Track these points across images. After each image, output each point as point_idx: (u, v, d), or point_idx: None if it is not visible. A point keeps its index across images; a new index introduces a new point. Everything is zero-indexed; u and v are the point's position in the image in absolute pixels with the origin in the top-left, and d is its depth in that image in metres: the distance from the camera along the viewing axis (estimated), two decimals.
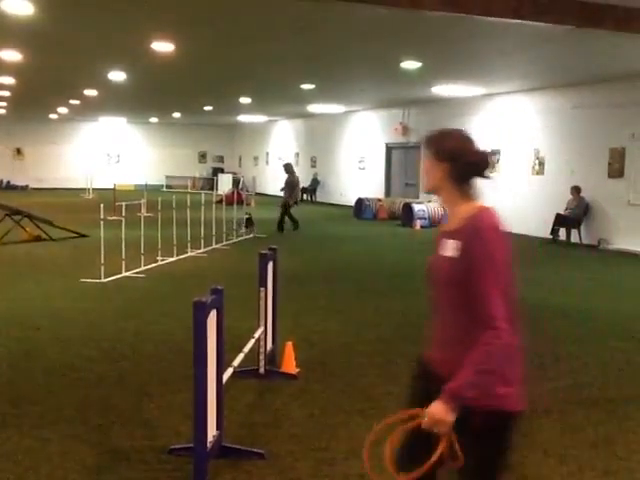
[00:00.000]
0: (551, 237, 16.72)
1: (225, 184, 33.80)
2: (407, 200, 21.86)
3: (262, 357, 5.96)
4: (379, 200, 23.63)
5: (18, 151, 38.10)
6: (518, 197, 18.81)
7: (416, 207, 20.40)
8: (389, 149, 25.85)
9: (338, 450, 4.57)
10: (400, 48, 12.69)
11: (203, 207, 14.87)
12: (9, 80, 18.56)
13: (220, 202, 22.71)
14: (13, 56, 14.06)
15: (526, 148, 18.64)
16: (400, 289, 10.59)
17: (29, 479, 4.15)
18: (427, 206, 20.57)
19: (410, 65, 14.37)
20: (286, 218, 18.27)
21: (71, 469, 4.26)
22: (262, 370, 5.97)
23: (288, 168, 18.89)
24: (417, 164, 23.77)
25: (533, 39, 11.19)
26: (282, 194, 18.86)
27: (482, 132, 20.30)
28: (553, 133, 17.81)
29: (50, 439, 4.70)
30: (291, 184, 18.54)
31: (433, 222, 20.25)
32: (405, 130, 24.18)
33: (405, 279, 11.49)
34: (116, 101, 25.25)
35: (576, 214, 16.43)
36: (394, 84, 18.22)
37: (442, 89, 18.55)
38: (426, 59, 13.78)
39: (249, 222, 17.14)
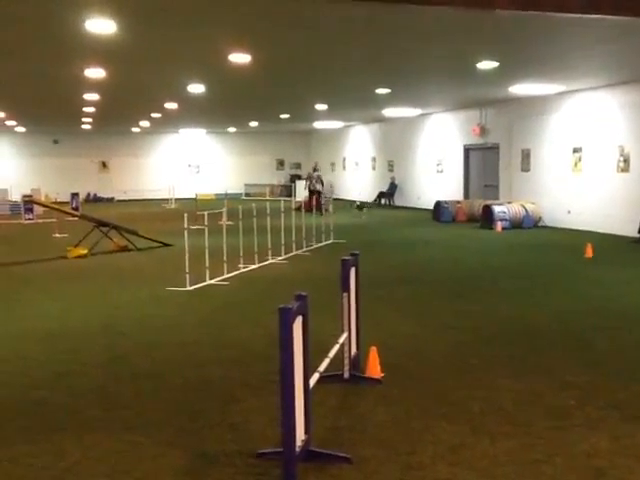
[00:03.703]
0: (638, 236, 16.21)
1: (303, 191, 33.98)
2: (487, 202, 21.54)
3: (346, 362, 6.00)
4: (458, 202, 23.40)
5: (103, 164, 39.41)
6: (602, 195, 18.32)
7: (497, 208, 20.06)
8: (467, 150, 25.57)
9: (424, 454, 4.56)
10: (476, 49, 12.56)
11: (282, 214, 15.05)
12: (94, 96, 19.22)
13: (299, 209, 22.93)
14: (97, 73, 14.57)
15: (610, 145, 18.10)
16: (479, 291, 10.47)
17: None
18: (508, 207, 20.22)
19: (486, 65, 14.20)
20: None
21: (163, 472, 4.39)
22: (346, 375, 6.01)
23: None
24: (496, 165, 23.50)
25: (613, 33, 10.89)
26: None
27: (563, 130, 19.88)
28: (638, 128, 17.25)
29: (141, 442, 4.85)
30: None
31: (514, 223, 19.93)
32: (483, 131, 23.88)
33: (484, 281, 11.36)
34: (195, 113, 25.81)
35: None
36: (470, 85, 18.02)
37: (520, 88, 18.22)
38: (503, 58, 13.58)
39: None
